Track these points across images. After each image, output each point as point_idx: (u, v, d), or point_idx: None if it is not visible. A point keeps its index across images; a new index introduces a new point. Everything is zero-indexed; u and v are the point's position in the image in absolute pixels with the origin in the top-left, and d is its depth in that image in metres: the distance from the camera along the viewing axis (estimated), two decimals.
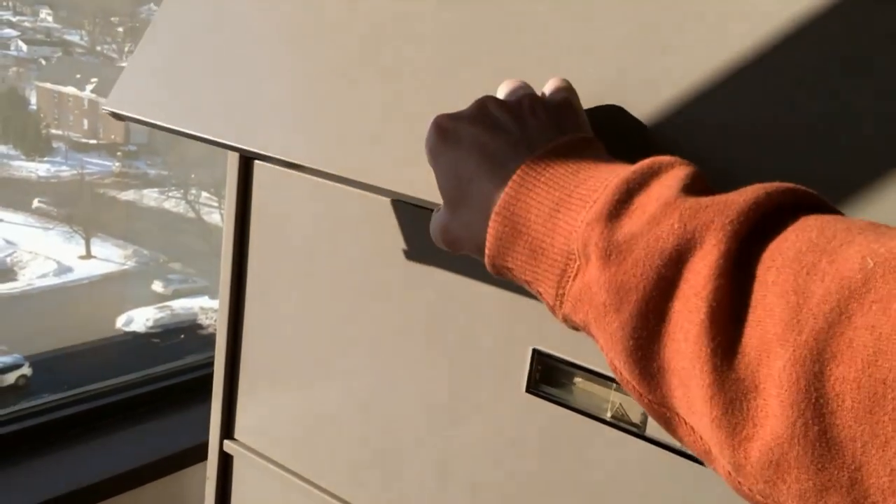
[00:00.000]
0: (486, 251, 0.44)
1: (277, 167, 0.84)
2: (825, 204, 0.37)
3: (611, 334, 0.38)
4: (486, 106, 0.49)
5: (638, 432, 0.67)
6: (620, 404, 0.68)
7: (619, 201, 0.38)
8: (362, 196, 0.78)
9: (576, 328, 0.42)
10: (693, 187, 0.38)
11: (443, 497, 0.78)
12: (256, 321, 0.89)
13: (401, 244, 0.77)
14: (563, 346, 0.69)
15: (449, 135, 0.48)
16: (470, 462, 0.76)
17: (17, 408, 1.08)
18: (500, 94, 0.52)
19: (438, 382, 0.77)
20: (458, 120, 0.48)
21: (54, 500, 0.99)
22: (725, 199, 0.36)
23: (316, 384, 0.86)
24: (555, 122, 0.47)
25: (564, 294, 0.41)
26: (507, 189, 0.42)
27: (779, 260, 0.33)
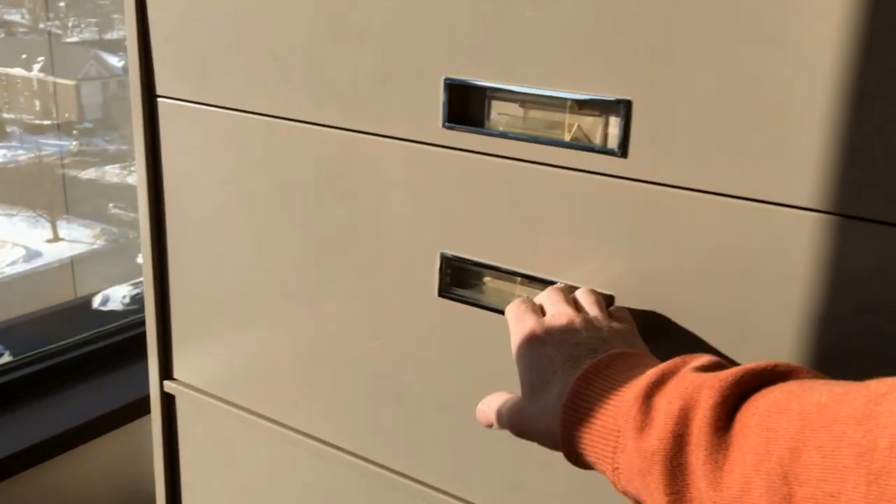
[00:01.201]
0: (560, 438, 0.51)
1: (181, 103, 0.83)
2: (817, 376, 0.44)
3: (651, 495, 0.45)
4: (571, 319, 0.58)
5: None
6: (527, 297, 0.69)
7: (653, 384, 0.46)
8: (267, 124, 0.78)
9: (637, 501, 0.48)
10: (706, 369, 0.47)
11: (376, 406, 0.80)
12: (180, 261, 0.89)
13: (306, 169, 0.77)
14: (470, 248, 0.70)
15: (538, 336, 0.58)
16: (394, 369, 0.77)
17: None
18: (581, 296, 0.62)
19: (358, 299, 0.78)
20: (549, 328, 0.58)
21: (11, 456, 1.01)
22: (722, 371, 0.44)
23: (244, 317, 0.87)
24: (620, 337, 0.57)
25: (619, 468, 0.47)
26: (572, 384, 0.51)
27: (761, 406, 0.41)
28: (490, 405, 0.59)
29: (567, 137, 0.64)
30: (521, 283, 0.69)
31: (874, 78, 0.51)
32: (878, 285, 0.54)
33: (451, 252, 0.71)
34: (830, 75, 0.52)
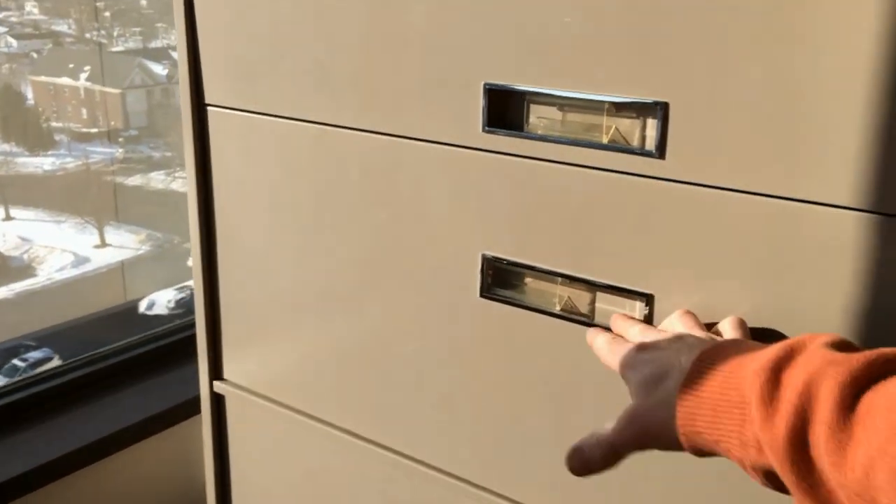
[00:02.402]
0: (678, 420, 0.49)
1: (229, 111, 0.86)
2: None
3: (781, 470, 0.43)
4: (674, 334, 0.58)
5: (587, 321, 0.69)
6: (569, 297, 0.70)
7: (781, 358, 0.45)
8: (312, 130, 0.81)
9: (770, 476, 0.46)
10: (834, 346, 0.45)
11: (421, 406, 0.81)
12: (229, 265, 0.92)
13: (351, 174, 0.79)
14: (511, 249, 0.72)
15: (646, 345, 0.58)
16: (438, 369, 0.79)
17: (20, 378, 1.13)
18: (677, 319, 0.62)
19: (402, 301, 0.80)
20: (655, 340, 0.58)
21: (63, 457, 1.04)
22: (853, 353, 0.43)
23: (291, 319, 0.89)
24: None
25: (747, 441, 0.46)
26: (691, 364, 0.50)
27: (892, 389, 0.40)
28: (575, 446, 0.55)
29: (605, 140, 0.65)
30: (562, 284, 0.70)
31: None
32: None
33: (492, 253, 0.73)
34: (867, 73, 0.52)
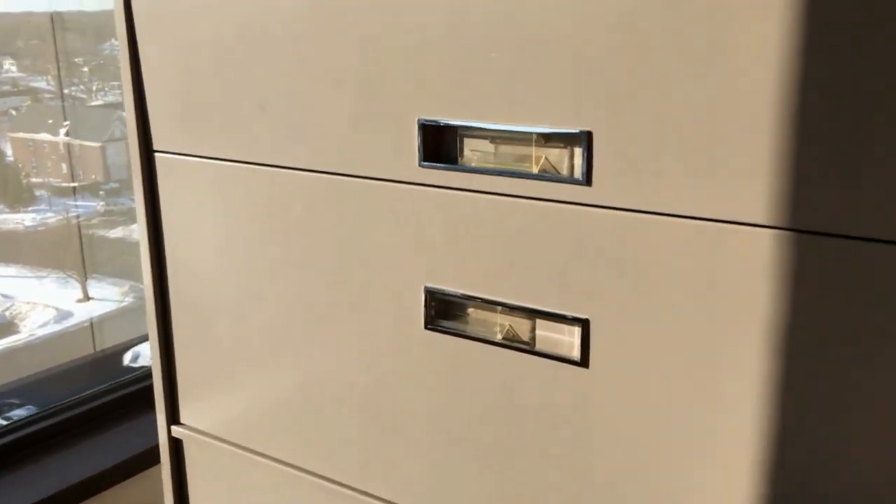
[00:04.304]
0: None
1: (176, 156, 0.87)
2: None
3: None
4: None
5: (528, 348, 0.70)
6: (510, 325, 0.71)
7: None
8: (257, 171, 0.82)
9: None
10: None
11: (374, 439, 0.82)
12: (183, 309, 0.93)
13: (296, 213, 0.80)
14: (452, 280, 0.73)
15: None
16: (388, 402, 0.79)
17: None
18: None
19: (350, 336, 0.80)
20: None
21: None
22: None
23: (245, 359, 0.89)
24: None
25: None
26: None
27: None
28: None
29: (535, 170, 0.66)
30: (503, 313, 0.71)
31: (816, 91, 0.53)
32: (837, 297, 0.55)
33: (434, 286, 0.73)
34: (775, 96, 0.54)
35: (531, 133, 0.66)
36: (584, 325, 0.66)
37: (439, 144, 0.71)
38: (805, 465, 0.59)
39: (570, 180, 0.64)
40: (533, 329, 0.70)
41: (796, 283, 0.56)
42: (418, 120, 0.70)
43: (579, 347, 0.67)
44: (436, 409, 0.76)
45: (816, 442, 0.58)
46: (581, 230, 0.65)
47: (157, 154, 0.88)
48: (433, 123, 0.70)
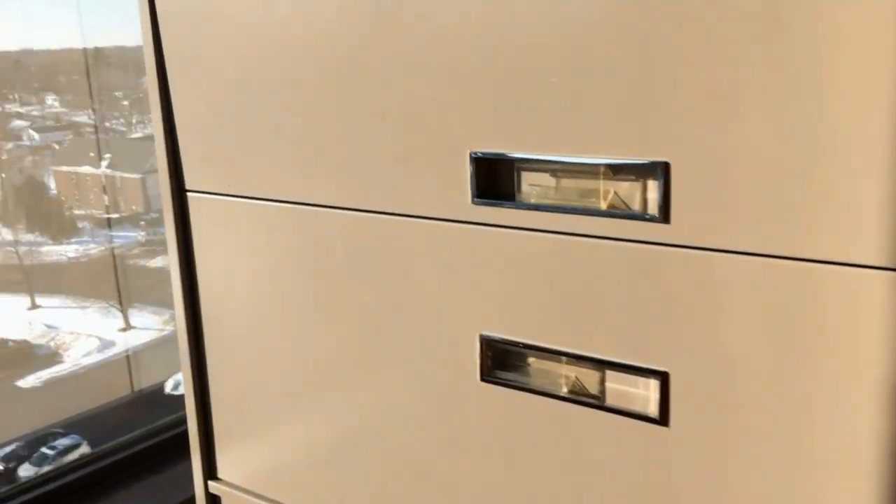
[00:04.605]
0: None
1: (211, 195, 0.82)
2: None
3: None
4: None
5: (598, 403, 0.63)
6: (576, 377, 0.64)
7: None
8: (294, 211, 0.76)
9: None
10: None
11: (423, 499, 0.75)
12: (218, 356, 0.87)
13: (336, 255, 0.74)
14: (511, 327, 0.66)
15: None
16: (440, 459, 0.73)
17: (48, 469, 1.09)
18: None
19: (397, 387, 0.74)
20: None
21: None
22: None
23: (284, 411, 0.83)
24: None
25: None
26: None
27: None
28: None
29: (603, 205, 0.60)
30: (568, 363, 0.64)
31: None
32: None
33: (490, 333, 0.67)
34: (883, 122, 0.47)
35: (598, 165, 0.59)
36: (663, 378, 0.59)
37: (494, 179, 0.64)
38: None
39: (645, 217, 0.57)
40: (602, 381, 0.63)
41: None
42: (470, 153, 0.64)
43: (658, 403, 0.60)
44: (492, 470, 0.69)
45: None
46: (657, 272, 0.58)
47: (189, 194, 0.83)
48: (487, 156, 0.63)
